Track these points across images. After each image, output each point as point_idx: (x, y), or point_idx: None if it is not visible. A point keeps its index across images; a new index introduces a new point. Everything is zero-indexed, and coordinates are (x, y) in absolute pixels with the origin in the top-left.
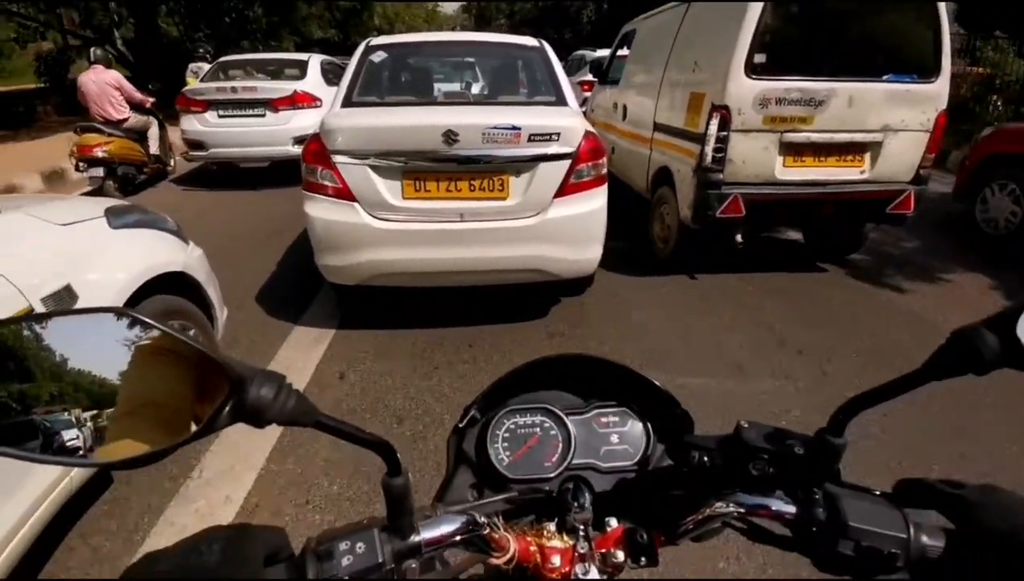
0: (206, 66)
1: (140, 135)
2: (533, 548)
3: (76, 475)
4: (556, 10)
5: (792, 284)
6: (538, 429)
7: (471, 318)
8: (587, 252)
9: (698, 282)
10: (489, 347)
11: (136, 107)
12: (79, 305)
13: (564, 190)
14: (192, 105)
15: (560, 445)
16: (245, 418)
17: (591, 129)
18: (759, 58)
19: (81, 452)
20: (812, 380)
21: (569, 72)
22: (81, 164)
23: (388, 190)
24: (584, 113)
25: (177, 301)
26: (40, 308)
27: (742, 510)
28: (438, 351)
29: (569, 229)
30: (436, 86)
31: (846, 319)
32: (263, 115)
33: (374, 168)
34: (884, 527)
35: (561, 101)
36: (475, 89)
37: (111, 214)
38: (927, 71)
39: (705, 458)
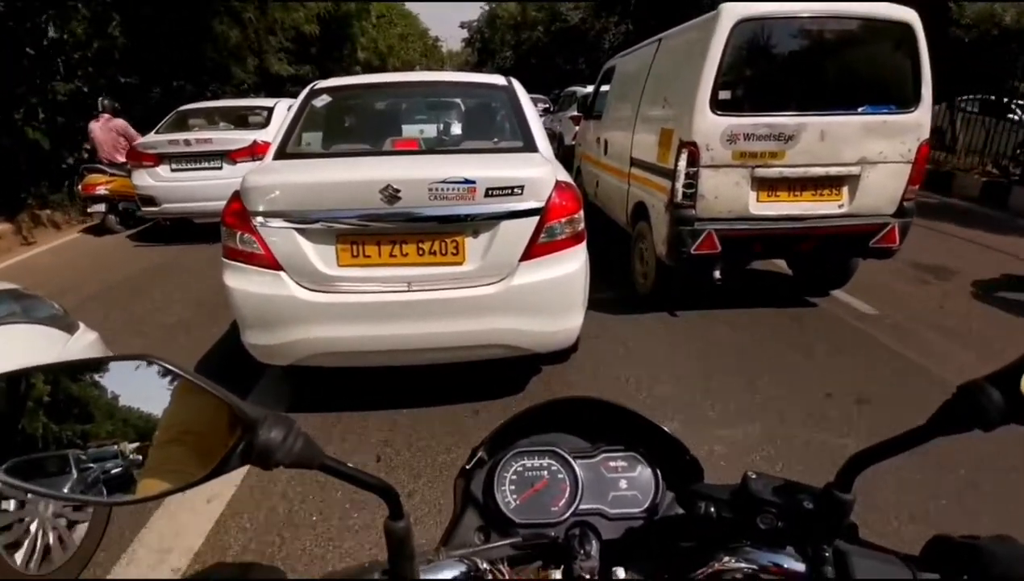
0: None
1: None
2: None
3: None
4: (570, 37)
5: (773, 320)
6: (546, 472)
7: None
8: (563, 322)
9: (677, 320)
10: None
11: None
12: None
13: (532, 252)
14: (143, 159)
15: (568, 489)
16: (254, 460)
17: (564, 179)
18: (724, 94)
19: (105, 490)
20: (769, 428)
21: (560, 108)
22: (87, 201)
23: (320, 257)
24: (574, 147)
25: None
26: None
27: (753, 567)
28: (417, 433)
29: (540, 297)
30: (387, 135)
31: (821, 358)
32: (220, 167)
33: (302, 231)
34: None
35: (529, 147)
36: (432, 136)
37: None
38: (906, 101)
39: (712, 509)
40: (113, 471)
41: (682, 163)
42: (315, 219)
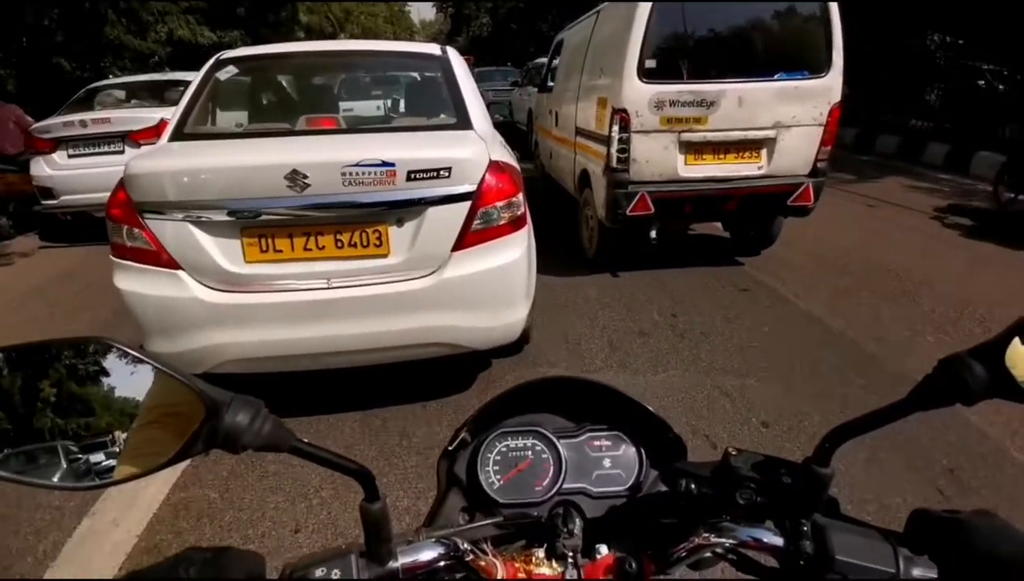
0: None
1: None
2: (521, 574)
3: None
4: None
5: (702, 279)
6: (529, 452)
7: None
8: (504, 316)
9: (618, 280)
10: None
11: None
12: None
13: (465, 240)
14: (39, 145)
15: (551, 468)
16: (220, 444)
17: (501, 158)
18: (650, 63)
19: (75, 475)
20: (687, 362)
21: (530, 80)
22: None
23: (223, 252)
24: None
25: None
26: None
27: (732, 541)
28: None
29: (476, 290)
30: (301, 112)
31: (733, 309)
32: (121, 151)
33: (199, 224)
34: (872, 561)
35: (464, 124)
36: (354, 113)
37: None
38: (818, 67)
39: (693, 486)
40: (103, 461)
41: (615, 129)
42: (212, 210)
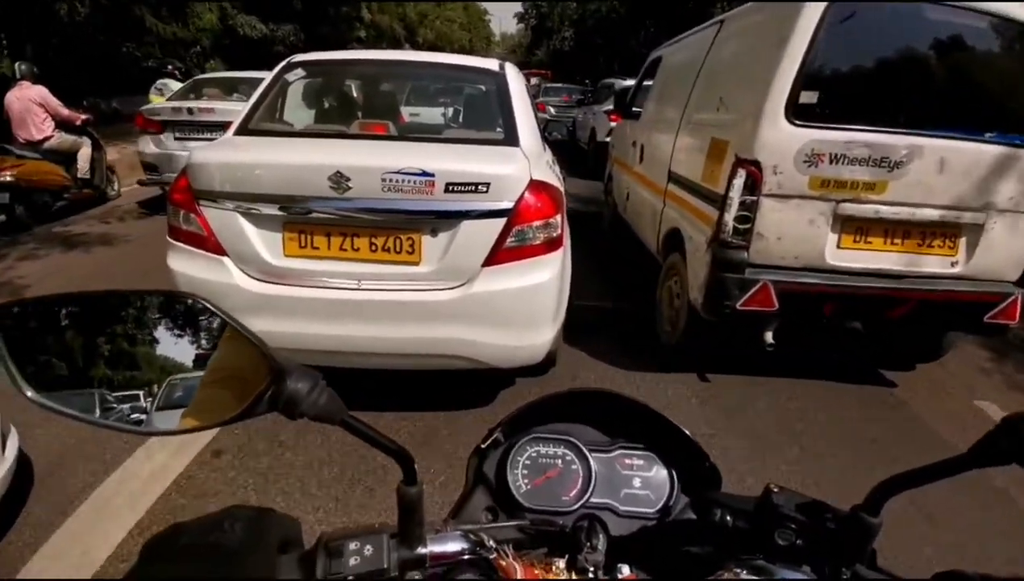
0: (173, 84)
1: (68, 157)
2: None
3: None
4: (654, 4)
5: (836, 402)
6: (559, 461)
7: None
8: (529, 337)
9: (710, 387)
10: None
11: (65, 126)
12: None
13: (496, 257)
14: (149, 125)
15: (580, 480)
16: (280, 408)
17: (543, 178)
18: (808, 96)
19: (141, 421)
20: None
21: (596, 100)
22: None
23: (266, 244)
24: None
25: None
26: None
27: (762, 579)
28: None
29: (503, 307)
30: (358, 116)
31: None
32: None
33: (247, 215)
34: None
35: (511, 140)
36: (407, 121)
37: None
38: None
39: (728, 517)
40: (131, 414)
41: (736, 187)
42: (260, 203)
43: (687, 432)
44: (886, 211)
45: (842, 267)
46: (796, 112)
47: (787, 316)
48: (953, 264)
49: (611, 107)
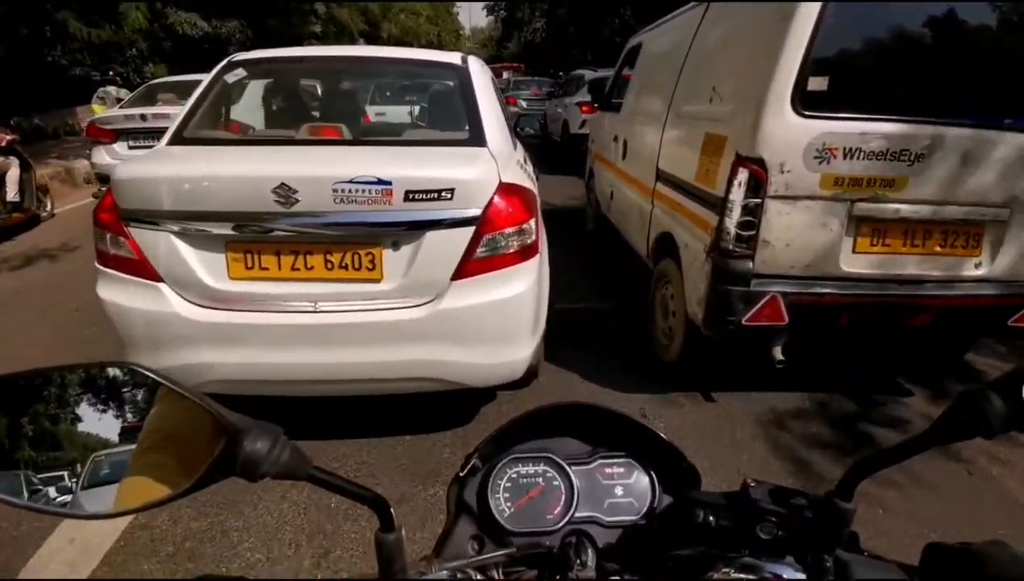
0: (116, 90)
1: None
2: None
3: None
4: None
5: (860, 415)
6: (540, 479)
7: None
8: (507, 354)
9: (717, 408)
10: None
11: None
12: None
13: (466, 269)
14: (101, 135)
15: (563, 497)
16: (239, 472)
17: (514, 181)
18: (817, 83)
19: (73, 504)
20: None
21: (566, 92)
22: None
23: (206, 267)
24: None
25: None
26: None
27: (753, 577)
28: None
29: (476, 323)
30: (306, 121)
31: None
32: None
33: (184, 235)
34: None
35: (477, 140)
36: (360, 124)
37: None
38: None
39: (711, 517)
40: (57, 497)
41: (738, 190)
42: (198, 221)
43: (662, 435)
44: (907, 210)
45: (858, 274)
46: (804, 101)
47: (797, 330)
48: (977, 265)
49: (582, 99)
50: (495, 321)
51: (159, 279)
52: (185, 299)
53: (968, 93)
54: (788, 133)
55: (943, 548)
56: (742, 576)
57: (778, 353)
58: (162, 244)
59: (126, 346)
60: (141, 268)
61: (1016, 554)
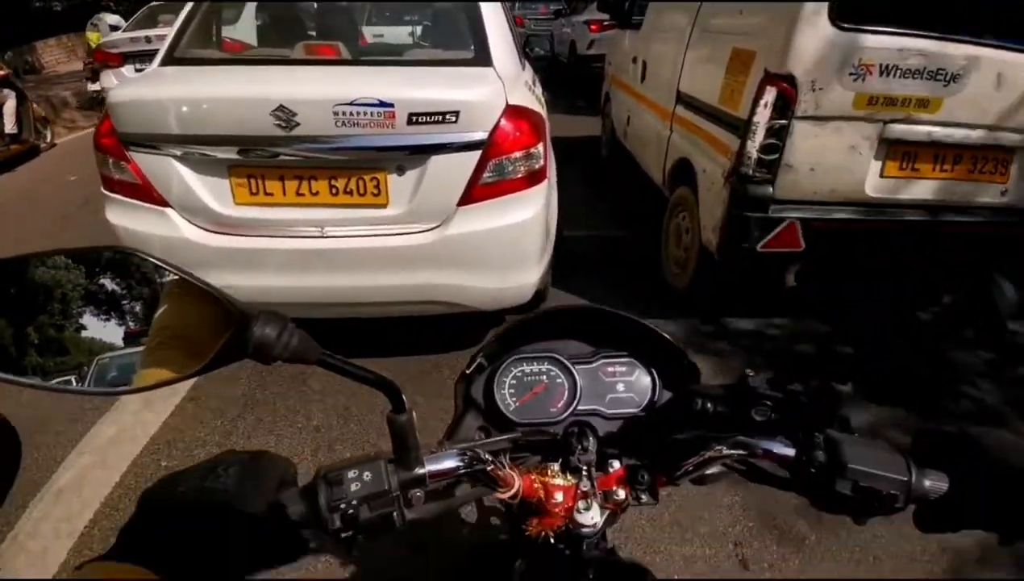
0: (109, 17)
1: None
2: (537, 485)
3: None
4: None
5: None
6: (544, 377)
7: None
8: (514, 278)
9: (726, 333)
10: None
11: None
12: None
13: (473, 194)
14: (108, 59)
15: (566, 392)
16: (252, 354)
17: (522, 103)
18: None
19: (107, 382)
20: None
21: (574, 11)
22: None
23: (211, 193)
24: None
25: None
26: None
27: (742, 452)
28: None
29: (483, 249)
30: (301, 38)
31: None
32: None
33: (185, 160)
34: (885, 469)
35: (482, 60)
36: (359, 42)
37: None
38: None
39: (708, 404)
40: (127, 365)
41: (764, 110)
42: (197, 145)
43: (665, 334)
44: (939, 133)
45: (884, 199)
46: (842, 11)
47: (813, 256)
48: (1003, 193)
49: (591, 17)
50: (502, 247)
51: (166, 204)
52: (193, 224)
53: (1010, 14)
54: (823, 47)
55: (936, 432)
56: (734, 452)
57: (791, 279)
58: (165, 169)
59: None
60: (146, 193)
61: (1012, 438)
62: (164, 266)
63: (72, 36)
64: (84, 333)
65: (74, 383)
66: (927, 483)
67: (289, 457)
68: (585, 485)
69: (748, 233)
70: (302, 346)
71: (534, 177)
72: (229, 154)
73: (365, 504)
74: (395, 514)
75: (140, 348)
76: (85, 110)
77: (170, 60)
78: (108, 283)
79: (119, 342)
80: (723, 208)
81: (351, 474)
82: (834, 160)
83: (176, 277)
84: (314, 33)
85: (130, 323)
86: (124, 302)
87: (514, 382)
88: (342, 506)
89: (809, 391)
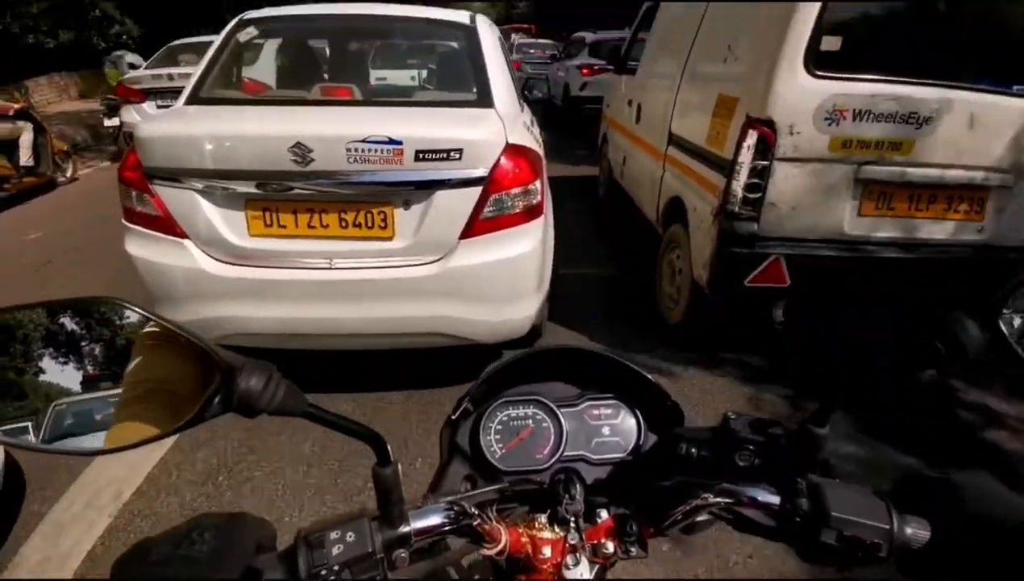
0: (129, 56)
1: (7, 145)
2: (524, 539)
3: None
4: None
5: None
6: (530, 421)
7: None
8: (512, 311)
9: (718, 368)
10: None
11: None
12: None
13: (474, 228)
14: (131, 95)
15: (552, 437)
16: (236, 408)
17: (521, 142)
18: (830, 43)
19: (84, 439)
20: None
21: (567, 56)
22: None
23: (228, 224)
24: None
25: None
26: None
27: (729, 500)
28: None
29: (483, 281)
30: (318, 80)
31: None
32: None
33: (205, 193)
34: (867, 517)
35: (484, 102)
36: (371, 84)
37: None
38: None
39: (693, 449)
40: (101, 425)
41: (747, 151)
42: (218, 180)
43: (648, 375)
44: (913, 173)
45: (862, 237)
46: (817, 61)
47: (799, 292)
48: (980, 230)
49: (583, 61)
50: (501, 279)
51: (184, 236)
52: (209, 255)
53: (978, 58)
54: (800, 94)
55: (918, 477)
56: (721, 499)
57: (779, 314)
58: (186, 202)
59: (153, 301)
60: (167, 225)
61: (994, 486)
62: (149, 317)
63: (64, 75)
64: (42, 377)
65: (31, 434)
66: (909, 531)
67: (266, 518)
68: (573, 538)
69: (736, 268)
70: (288, 398)
71: (532, 212)
72: (247, 188)
73: (347, 569)
74: (379, 578)
75: (99, 394)
76: (92, 150)
77: (195, 99)
78: (78, 330)
79: (77, 388)
80: (712, 244)
81: (333, 535)
82: (814, 199)
83: (151, 329)
84: (327, 76)
85: (90, 370)
86: (92, 350)
87: (500, 427)
88: (323, 572)
89: (788, 435)
